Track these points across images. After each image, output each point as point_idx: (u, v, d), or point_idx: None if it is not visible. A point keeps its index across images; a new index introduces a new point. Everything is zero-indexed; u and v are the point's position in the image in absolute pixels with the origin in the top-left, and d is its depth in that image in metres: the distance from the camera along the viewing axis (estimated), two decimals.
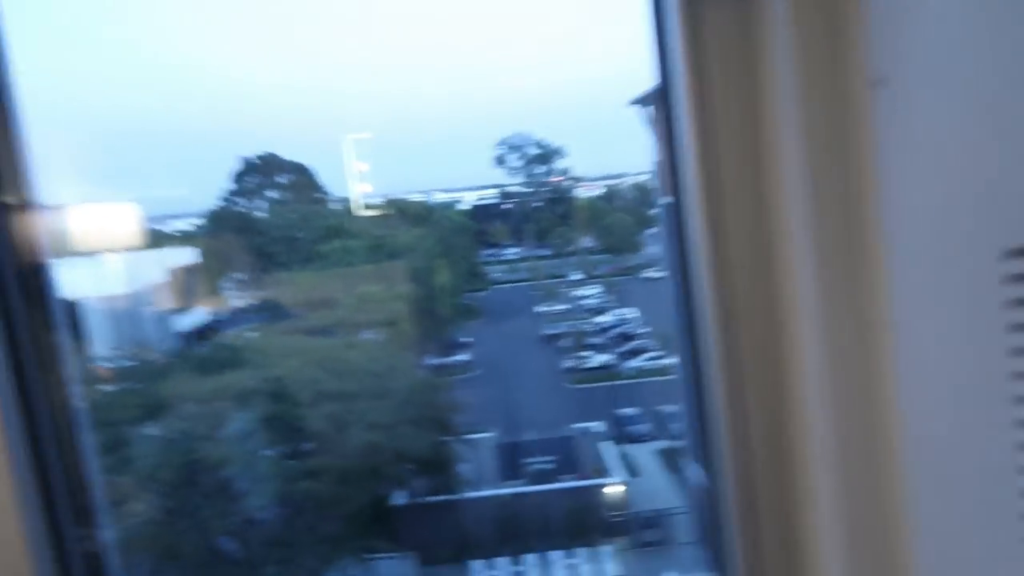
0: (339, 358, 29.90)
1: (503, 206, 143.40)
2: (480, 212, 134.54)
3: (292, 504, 25.55)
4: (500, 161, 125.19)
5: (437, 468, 28.90)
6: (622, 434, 42.53)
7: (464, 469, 31.74)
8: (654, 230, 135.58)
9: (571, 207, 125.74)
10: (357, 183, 76.25)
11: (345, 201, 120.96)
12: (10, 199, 1.26)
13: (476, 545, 30.53)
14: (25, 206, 1.30)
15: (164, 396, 25.25)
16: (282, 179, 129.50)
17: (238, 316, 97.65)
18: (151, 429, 25.09)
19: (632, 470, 35.91)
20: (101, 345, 55.00)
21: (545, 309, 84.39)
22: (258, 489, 22.77)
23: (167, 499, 22.94)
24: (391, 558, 27.17)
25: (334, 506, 25.14)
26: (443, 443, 29.62)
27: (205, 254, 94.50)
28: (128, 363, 30.91)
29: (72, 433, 1.42)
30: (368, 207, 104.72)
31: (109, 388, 27.97)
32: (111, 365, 31.15)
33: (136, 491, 22.72)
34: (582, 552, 29.84)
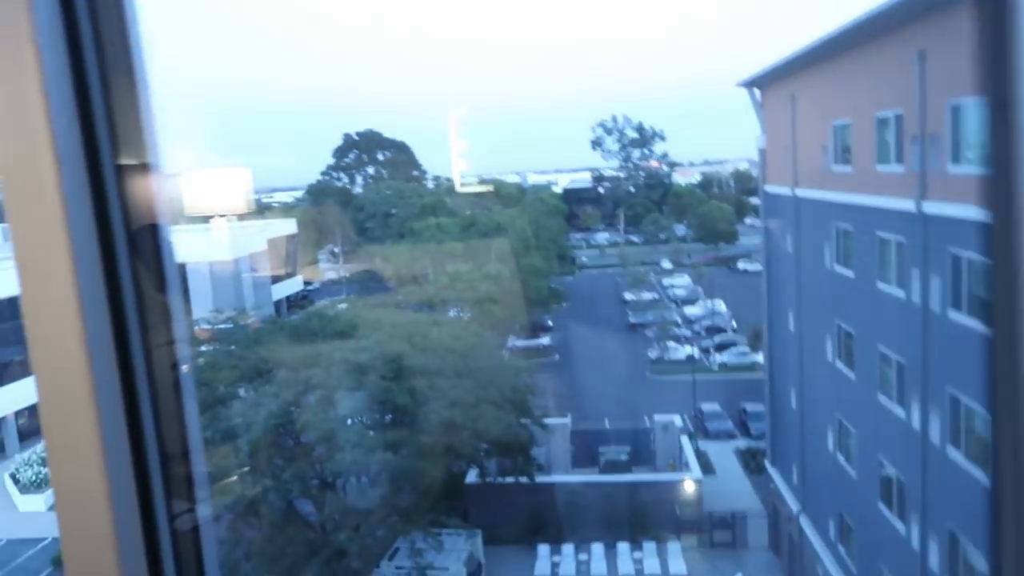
0: (425, 334, 30.51)
1: (597, 189, 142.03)
2: (573, 195, 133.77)
3: (370, 474, 26.47)
4: (597, 143, 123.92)
5: (512, 450, 29.21)
6: (701, 430, 41.92)
7: (538, 453, 32.02)
8: (752, 220, 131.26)
9: (666, 193, 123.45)
10: (456, 161, 77.35)
11: (441, 179, 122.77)
12: (131, 160, 1.40)
13: (544, 530, 30.85)
14: (145, 168, 1.43)
15: (257, 361, 26.44)
16: (381, 156, 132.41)
17: (332, 287, 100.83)
18: (243, 391, 26.40)
19: (708, 467, 35.37)
20: (201, 308, 58.02)
21: (632, 297, 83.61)
22: (338, 456, 23.63)
23: (252, 459, 24.15)
24: (459, 534, 27.78)
25: (410, 479, 25.88)
26: (520, 425, 29.91)
27: (304, 226, 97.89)
28: (226, 327, 32.45)
29: (178, 400, 1.51)
30: (464, 185, 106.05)
31: (206, 349, 29.53)
32: (210, 327, 32.88)
33: (223, 450, 24.02)
34: (649, 547, 29.70)
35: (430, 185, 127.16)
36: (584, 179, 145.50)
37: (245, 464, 23.95)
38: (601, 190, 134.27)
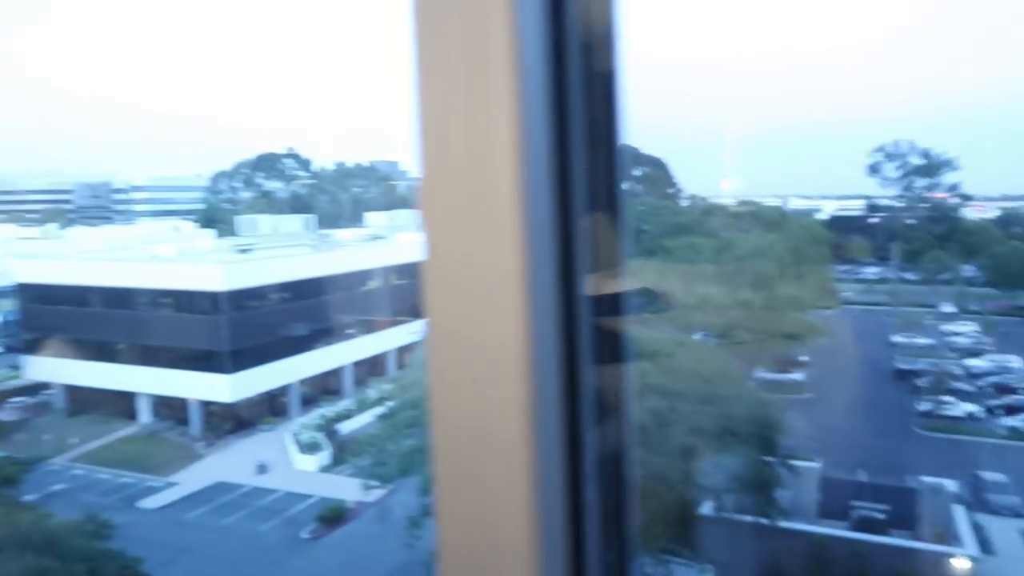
0: (669, 353, 30.07)
1: (869, 219, 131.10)
2: (840, 223, 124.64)
3: None
4: (874, 169, 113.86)
5: (753, 487, 27.80)
6: (980, 501, 36.74)
7: (782, 495, 30.12)
8: None
9: (954, 228, 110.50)
10: (717, 180, 75.59)
11: (697, 198, 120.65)
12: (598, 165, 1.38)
13: None
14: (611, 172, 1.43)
15: None
16: (638, 171, 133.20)
17: None
18: None
19: (986, 545, 30.89)
20: None
21: (903, 340, 75.69)
22: None
23: None
24: (689, 566, 26.95)
25: (642, 500, 25.64)
26: (763, 463, 28.39)
27: None
28: None
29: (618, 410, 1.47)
30: (721, 206, 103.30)
31: None
32: None
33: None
34: None
35: (685, 203, 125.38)
36: (855, 207, 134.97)
37: None
38: (874, 220, 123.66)
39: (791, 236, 77.35)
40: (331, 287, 58.87)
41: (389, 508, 36.55)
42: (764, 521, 27.68)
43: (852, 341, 76.35)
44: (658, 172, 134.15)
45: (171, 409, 51.57)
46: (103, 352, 52.89)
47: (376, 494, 31.23)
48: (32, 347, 57.12)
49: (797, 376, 60.87)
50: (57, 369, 54.98)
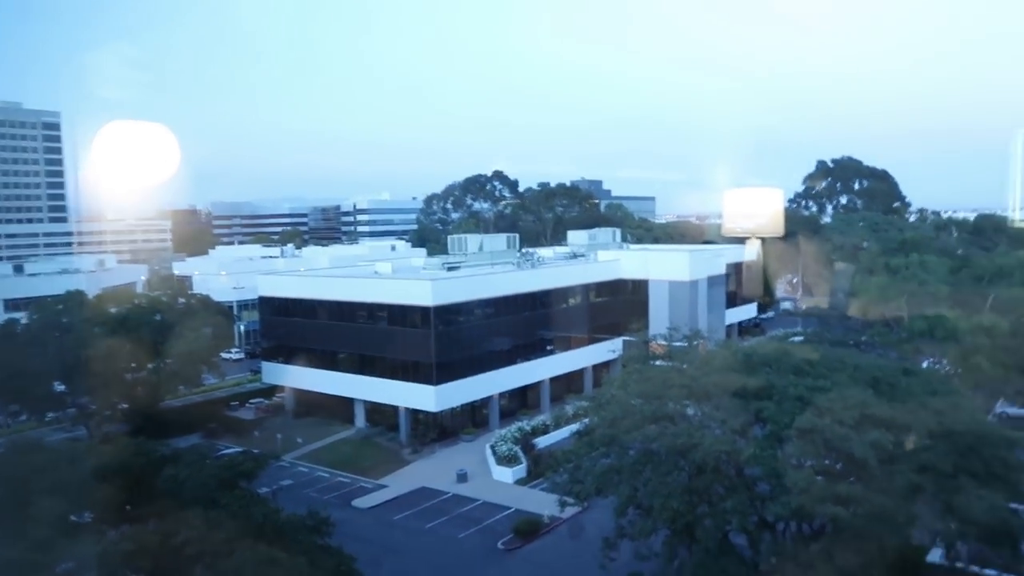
0: (894, 383, 27.41)
1: None
2: None
3: (814, 524, 24.67)
4: None
5: (995, 536, 24.42)
6: None
7: None
8: None
9: None
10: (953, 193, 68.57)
11: (927, 212, 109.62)
12: None
13: None
14: None
15: (708, 383, 26.59)
16: (858, 185, 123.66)
17: (787, 318, 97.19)
18: (691, 410, 26.76)
19: None
20: (660, 323, 60.47)
21: None
22: (782, 498, 22.42)
23: (691, 480, 24.29)
24: None
25: (860, 540, 23.40)
26: (1007, 508, 24.88)
27: (765, 254, 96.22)
28: (680, 344, 33.38)
29: None
30: (958, 220, 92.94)
31: (659, 363, 30.73)
32: (665, 343, 34.22)
33: (666, 466, 24.57)
34: None
35: (912, 218, 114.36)
36: None
37: (684, 483, 24.26)
38: None
39: None
40: (533, 303, 60.24)
41: (583, 526, 36.47)
42: (1007, 573, 24.29)
43: None
44: (881, 185, 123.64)
45: (383, 416, 55.24)
46: (327, 360, 57.86)
47: (570, 511, 31.24)
48: (269, 354, 63.81)
49: None
50: (288, 375, 60.96)
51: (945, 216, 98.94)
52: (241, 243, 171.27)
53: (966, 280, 57.68)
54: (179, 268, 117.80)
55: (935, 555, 26.81)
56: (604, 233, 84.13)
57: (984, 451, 25.10)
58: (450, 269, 62.99)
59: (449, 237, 77.90)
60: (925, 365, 47.13)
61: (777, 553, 22.98)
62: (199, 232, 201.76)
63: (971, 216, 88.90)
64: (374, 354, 55.08)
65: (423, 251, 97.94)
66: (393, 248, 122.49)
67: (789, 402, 25.44)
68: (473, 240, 71.37)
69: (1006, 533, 24.62)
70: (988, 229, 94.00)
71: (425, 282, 54.26)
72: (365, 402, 56.48)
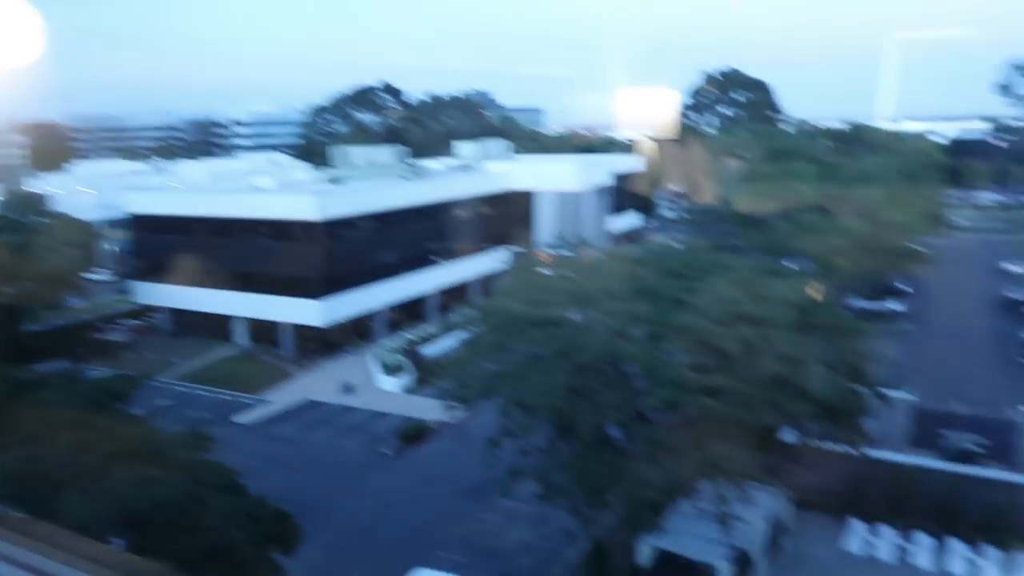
0: (761, 282, 29.05)
1: (991, 142, 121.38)
2: (959, 147, 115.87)
3: (686, 414, 26.30)
4: (1004, 88, 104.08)
5: (840, 416, 26.87)
6: None
7: (871, 425, 29.06)
8: None
9: None
10: (821, 103, 71.33)
11: (804, 123, 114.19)
12: None
13: (862, 506, 28.11)
14: None
15: (592, 289, 27.39)
16: (740, 96, 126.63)
17: (669, 225, 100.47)
18: (573, 314, 27.59)
19: None
20: (547, 233, 61.59)
21: (1014, 268, 70.81)
22: (657, 392, 23.74)
23: (575, 379, 25.29)
24: (766, 490, 26.56)
25: (725, 426, 25.21)
26: (853, 392, 27.35)
27: (651, 163, 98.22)
28: (567, 253, 34.08)
29: None
30: (831, 130, 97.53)
31: (547, 272, 31.35)
32: (552, 252, 34.89)
33: (551, 367, 25.44)
34: (992, 552, 25.55)
35: (790, 129, 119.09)
36: (977, 129, 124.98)
37: (566, 383, 25.20)
38: (999, 143, 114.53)
39: (902, 160, 72.72)
40: (420, 216, 59.70)
41: (468, 429, 37.57)
42: (850, 449, 26.86)
43: (959, 269, 71.95)
44: (761, 96, 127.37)
45: (265, 332, 54.13)
46: (205, 278, 55.71)
47: (456, 416, 32.01)
48: (141, 274, 60.79)
49: (896, 306, 58.07)
50: (163, 294, 58.44)
51: (818, 125, 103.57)
52: (106, 158, 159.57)
53: (833, 185, 61.03)
54: (37, 185, 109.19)
55: (788, 435, 29.25)
56: (493, 145, 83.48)
57: (836, 341, 27.39)
58: (334, 183, 61.15)
59: (333, 150, 75.32)
60: (791, 265, 50.16)
61: (650, 442, 24.42)
62: (59, 147, 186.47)
63: (842, 125, 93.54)
64: (256, 270, 53.46)
65: (307, 165, 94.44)
66: (274, 162, 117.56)
67: (666, 303, 26.56)
68: (358, 153, 69.39)
69: (849, 413, 27.20)
70: (856, 137, 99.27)
71: (308, 196, 52.65)
72: (246, 319, 55.07)
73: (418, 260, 59.41)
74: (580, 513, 24.15)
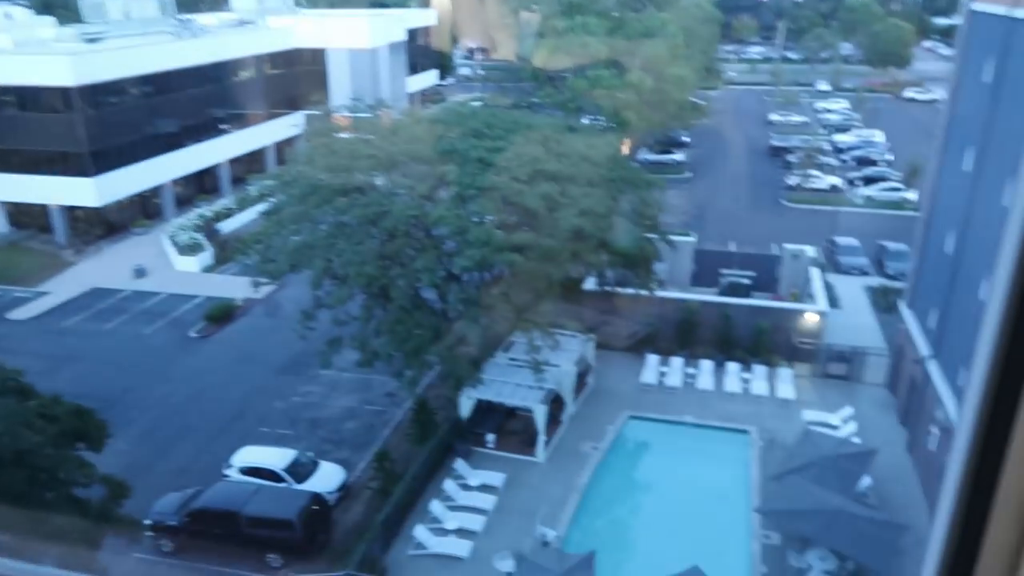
0: (560, 139, 29.85)
1: None
2: (730, 3, 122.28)
3: (494, 271, 27.28)
4: None
5: (635, 263, 29.17)
6: (833, 263, 40.27)
7: (660, 268, 31.89)
8: (933, 44, 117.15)
9: (838, 6, 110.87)
10: None
11: None
12: None
13: (655, 342, 31.42)
14: None
15: (394, 152, 26.83)
16: None
17: (466, 84, 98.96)
18: (380, 181, 27.07)
19: (834, 301, 34.30)
20: (342, 95, 58.55)
21: (779, 118, 78.20)
22: (467, 252, 24.29)
23: (384, 246, 25.23)
24: (574, 336, 28.70)
25: (533, 280, 26.53)
26: (646, 240, 29.64)
27: (446, 19, 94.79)
28: (364, 116, 32.79)
29: None
30: None
31: (344, 136, 30.16)
32: (349, 115, 33.41)
33: (359, 235, 25.11)
34: (760, 369, 29.81)
35: None
36: None
37: (377, 249, 25.08)
38: None
39: (684, 15, 75.61)
40: (200, 78, 54.25)
41: (279, 303, 36.68)
42: (644, 292, 29.42)
43: (732, 120, 78.28)
44: None
45: (31, 216, 48.21)
46: None
47: (265, 291, 31.03)
48: None
49: (679, 156, 62.49)
50: None
51: None
52: None
53: (622, 41, 62.76)
54: None
55: (590, 283, 31.50)
56: None
57: (630, 194, 29.27)
58: (90, 41, 53.61)
59: (83, 2, 65.43)
60: (585, 121, 51.89)
61: (463, 301, 25.24)
62: None
63: None
64: (6, 148, 46.68)
65: (51, 19, 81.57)
66: (8, 16, 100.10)
67: (471, 164, 26.70)
68: (115, 5, 60.91)
69: (643, 259, 29.63)
70: None
71: (61, 57, 45.85)
72: (4, 204, 48.59)
73: (203, 128, 54.61)
74: (402, 375, 24.85)
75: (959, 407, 21.25)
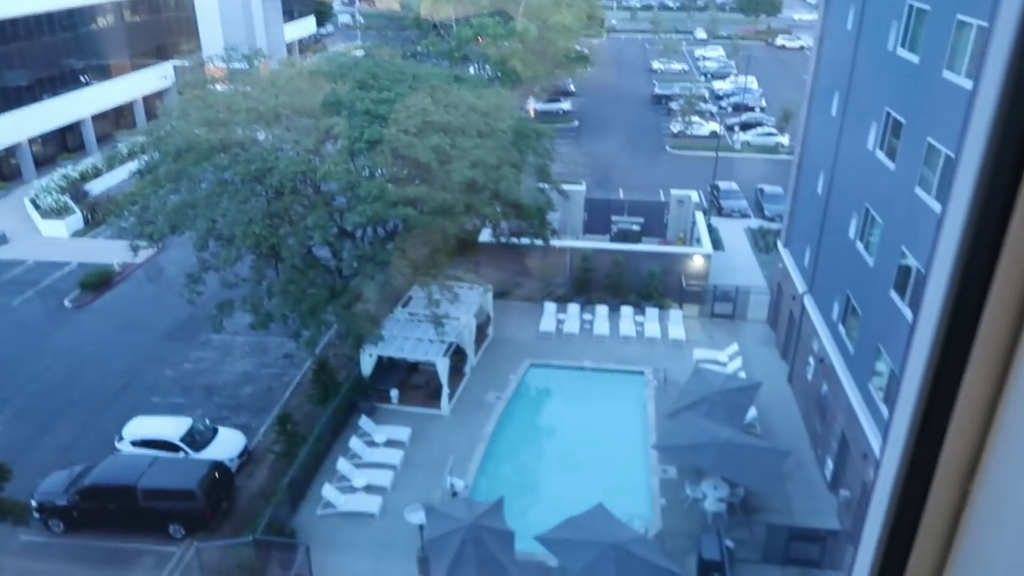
0: (447, 90, 29.43)
1: None
2: None
3: (388, 226, 26.89)
4: None
5: (528, 213, 29.39)
6: (716, 207, 42.05)
7: (553, 217, 32.31)
8: None
9: None
10: None
11: None
12: None
13: (551, 289, 32.07)
14: None
15: (275, 104, 25.75)
16: None
17: (347, 32, 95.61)
18: (259, 134, 25.98)
19: (718, 243, 35.91)
20: (212, 45, 55.39)
21: (660, 66, 79.91)
22: (358, 208, 23.77)
23: (271, 204, 24.37)
24: (471, 288, 28.85)
25: (427, 234, 26.34)
26: (538, 190, 29.89)
27: None
28: (240, 67, 31.24)
29: None
30: None
31: (220, 88, 28.67)
32: (224, 66, 31.68)
33: (244, 193, 24.12)
34: (652, 312, 31.01)
35: None
36: None
37: (264, 208, 24.21)
38: None
39: None
40: (49, 26, 49.77)
41: (161, 267, 34.89)
42: (539, 241, 29.79)
43: (615, 69, 79.36)
44: None
45: None
46: None
47: (144, 255, 29.41)
48: None
49: (565, 105, 62.96)
50: None
51: None
52: None
53: None
54: None
55: (485, 235, 31.61)
56: None
57: (520, 143, 29.32)
58: None
59: None
60: (472, 71, 51.31)
61: (357, 257, 24.80)
62: None
63: None
64: None
65: None
66: None
67: (358, 116, 25.98)
68: None
69: (536, 210, 29.92)
70: None
71: None
72: None
73: (60, 81, 50.38)
74: (299, 336, 24.31)
75: (832, 340, 22.99)
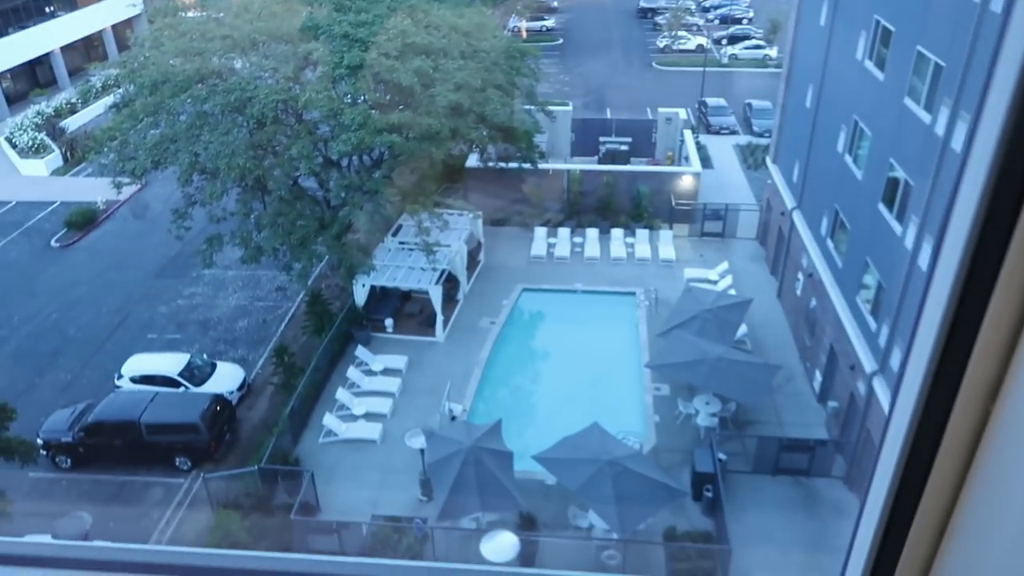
0: (427, 10, 28.60)
1: None
2: None
3: (374, 154, 26.55)
4: None
5: (515, 136, 29.02)
6: (704, 124, 41.59)
7: (540, 140, 31.94)
8: None
9: None
10: None
11: None
12: None
13: (541, 213, 31.98)
14: None
15: (251, 30, 25.01)
16: None
17: None
18: (236, 63, 25.33)
19: (707, 161, 35.70)
20: None
21: None
22: (343, 136, 23.39)
23: (253, 135, 23.96)
24: (461, 214, 28.75)
25: (414, 161, 26.05)
26: (524, 112, 29.45)
27: None
28: None
29: None
30: None
31: (192, 15, 27.79)
32: None
33: (224, 124, 23.67)
34: (642, 233, 31.05)
35: None
36: None
37: (247, 139, 23.81)
38: None
39: None
40: None
41: (147, 203, 34.50)
42: (527, 165, 29.52)
43: None
44: None
45: None
46: None
47: (128, 191, 29.04)
48: None
49: (549, 22, 61.37)
50: None
51: None
52: None
53: None
54: None
55: (472, 160, 31.29)
56: None
57: (504, 64, 28.70)
58: None
59: None
60: None
61: (344, 187, 24.57)
62: None
63: None
64: None
65: None
66: None
67: (337, 41, 25.31)
68: None
69: (523, 132, 29.52)
70: None
71: None
72: None
73: (24, 12, 48.60)
74: (290, 268, 24.29)
75: (821, 255, 23.19)
